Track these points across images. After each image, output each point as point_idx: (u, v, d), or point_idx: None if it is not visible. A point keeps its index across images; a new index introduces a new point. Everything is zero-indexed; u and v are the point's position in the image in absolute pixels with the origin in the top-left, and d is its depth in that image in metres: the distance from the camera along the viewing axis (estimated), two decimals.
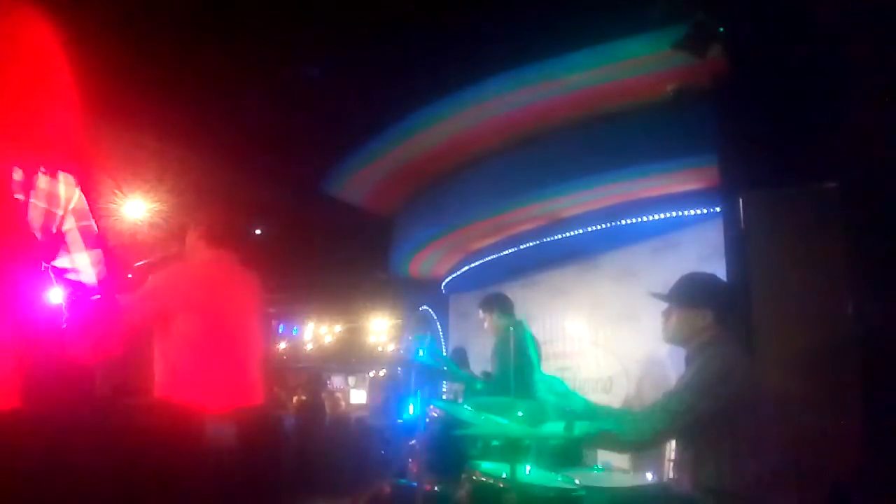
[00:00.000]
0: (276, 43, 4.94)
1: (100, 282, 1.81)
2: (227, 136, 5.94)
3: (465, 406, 2.99)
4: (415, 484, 3.12)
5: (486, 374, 4.59)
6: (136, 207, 7.80)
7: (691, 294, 2.38)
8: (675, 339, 2.42)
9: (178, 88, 5.17)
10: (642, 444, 2.44)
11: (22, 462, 1.54)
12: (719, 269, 3.52)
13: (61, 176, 1.66)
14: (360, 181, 6.63)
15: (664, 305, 2.45)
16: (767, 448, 2.15)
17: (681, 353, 2.45)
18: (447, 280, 7.94)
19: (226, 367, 2.59)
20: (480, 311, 4.50)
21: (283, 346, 14.63)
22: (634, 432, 2.27)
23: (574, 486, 2.39)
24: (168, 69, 4.96)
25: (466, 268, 7.24)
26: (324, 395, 10.70)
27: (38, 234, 1.61)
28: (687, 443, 2.28)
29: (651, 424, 2.24)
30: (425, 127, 5.50)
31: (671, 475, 2.50)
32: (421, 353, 3.48)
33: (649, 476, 2.99)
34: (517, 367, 2.74)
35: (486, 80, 4.86)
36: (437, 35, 4.63)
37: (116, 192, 7.27)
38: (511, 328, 4.10)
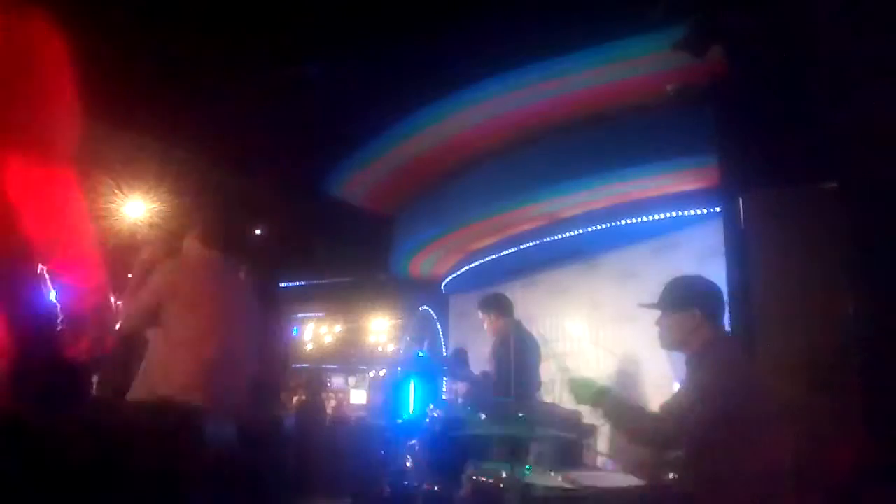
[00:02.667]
0: (277, 42, 4.94)
1: (94, 282, 1.80)
2: (227, 136, 5.94)
3: (466, 407, 2.99)
4: (415, 484, 3.12)
5: (486, 374, 4.59)
6: (136, 207, 7.80)
7: (676, 296, 2.36)
8: (668, 344, 2.41)
9: (177, 88, 5.17)
10: (661, 458, 2.47)
11: (14, 462, 1.53)
12: (719, 269, 3.52)
13: (58, 176, 1.66)
14: (361, 181, 6.63)
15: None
16: (768, 449, 2.15)
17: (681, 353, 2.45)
18: (447, 280, 7.94)
19: (214, 364, 2.56)
20: (480, 312, 4.50)
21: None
22: (657, 444, 2.29)
23: (574, 486, 2.39)
24: (168, 69, 4.96)
25: (466, 268, 7.24)
26: (324, 395, 10.68)
27: (35, 235, 1.61)
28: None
29: (671, 448, 2.24)
30: (425, 127, 5.50)
31: (671, 475, 2.50)
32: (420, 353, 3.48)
33: None
34: (517, 368, 2.74)
35: (486, 80, 4.86)
36: (437, 35, 4.63)
37: (116, 192, 7.27)
38: (511, 329, 4.10)
